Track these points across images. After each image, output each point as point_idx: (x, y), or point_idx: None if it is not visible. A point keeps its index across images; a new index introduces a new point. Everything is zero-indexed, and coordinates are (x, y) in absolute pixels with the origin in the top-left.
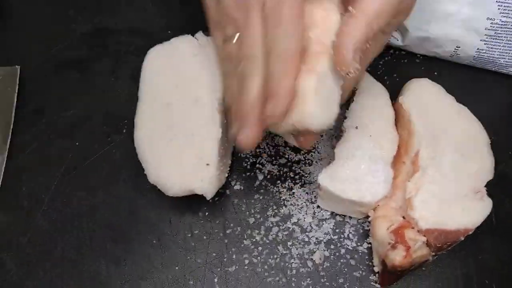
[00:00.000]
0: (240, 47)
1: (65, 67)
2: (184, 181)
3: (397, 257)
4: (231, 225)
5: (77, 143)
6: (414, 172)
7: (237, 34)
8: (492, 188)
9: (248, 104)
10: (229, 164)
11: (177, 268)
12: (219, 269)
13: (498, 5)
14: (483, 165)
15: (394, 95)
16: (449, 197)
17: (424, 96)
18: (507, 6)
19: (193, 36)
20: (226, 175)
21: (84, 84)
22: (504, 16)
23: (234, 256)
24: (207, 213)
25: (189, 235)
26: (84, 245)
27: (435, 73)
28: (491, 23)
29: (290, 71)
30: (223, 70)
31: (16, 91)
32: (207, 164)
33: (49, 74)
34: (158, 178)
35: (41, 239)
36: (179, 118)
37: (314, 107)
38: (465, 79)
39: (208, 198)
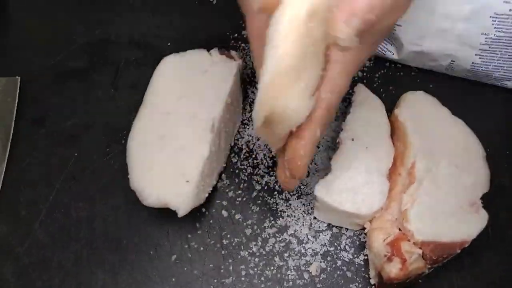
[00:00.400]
0: None
1: (65, 77)
2: (161, 193)
3: (393, 270)
4: (228, 236)
5: (76, 153)
6: (410, 184)
7: None
8: (488, 200)
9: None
10: (213, 184)
11: (173, 279)
12: (215, 281)
13: (492, 20)
14: (478, 177)
15: (390, 107)
16: (444, 210)
17: (420, 108)
18: (501, 21)
19: (208, 51)
20: (207, 194)
21: (84, 95)
22: (498, 31)
23: (231, 268)
24: (204, 225)
25: (186, 246)
26: (81, 256)
27: (431, 85)
28: (486, 38)
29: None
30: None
31: (16, 101)
32: (187, 181)
33: (49, 84)
34: (138, 185)
35: (38, 249)
36: (173, 130)
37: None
38: (460, 92)
39: (179, 215)
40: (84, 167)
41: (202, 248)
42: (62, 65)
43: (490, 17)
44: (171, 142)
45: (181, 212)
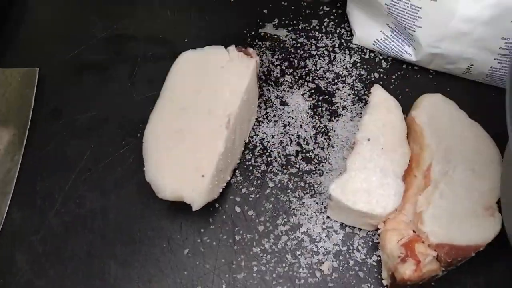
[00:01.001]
0: None
1: (83, 70)
2: (176, 186)
3: (407, 271)
4: (241, 232)
5: (92, 145)
6: (425, 187)
7: None
8: None
9: None
10: (227, 180)
11: (185, 272)
12: (227, 276)
13: None
14: (494, 182)
15: (407, 109)
16: (460, 213)
17: (437, 111)
18: None
19: (226, 48)
20: (221, 190)
21: (101, 88)
22: None
23: (243, 263)
24: (217, 220)
25: (199, 241)
26: (94, 246)
27: (448, 89)
28: (506, 42)
29: None
30: None
31: (34, 92)
32: (202, 176)
33: (67, 77)
34: (154, 177)
35: (52, 238)
36: (189, 125)
37: None
38: (477, 96)
39: (194, 209)
40: (99, 159)
41: (214, 243)
42: (81, 58)
43: (511, 21)
44: (187, 136)
45: (196, 206)
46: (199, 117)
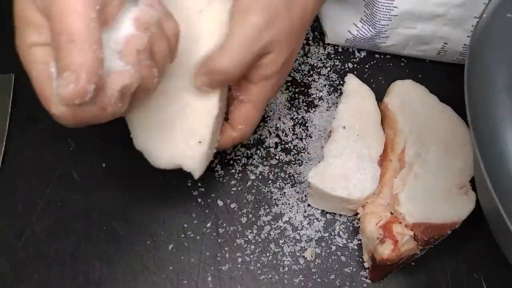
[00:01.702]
0: None
1: None
2: (173, 155)
3: (386, 251)
4: (224, 225)
5: (71, 148)
6: (400, 169)
7: None
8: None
9: None
10: (217, 139)
11: (170, 268)
12: (212, 268)
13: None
14: (467, 161)
15: (380, 96)
16: (434, 192)
17: (409, 96)
18: None
19: None
20: (215, 150)
21: None
22: None
23: (227, 255)
24: (199, 214)
25: (183, 236)
26: (78, 248)
27: (419, 75)
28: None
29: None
30: None
31: (11, 98)
32: (199, 142)
33: None
34: (145, 145)
35: (35, 243)
36: (174, 84)
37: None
38: (448, 80)
39: (195, 177)
40: (79, 160)
41: (198, 237)
42: None
43: (484, 3)
44: (173, 97)
45: (197, 174)
46: (184, 73)
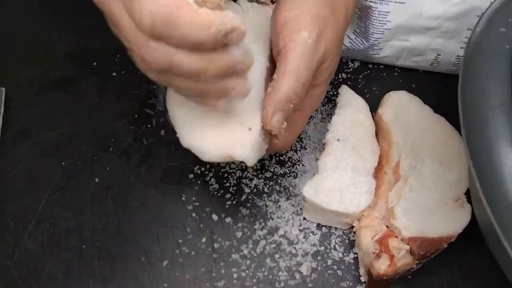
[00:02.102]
0: None
1: (50, 87)
2: (222, 146)
3: (382, 266)
4: (219, 239)
5: (63, 163)
6: (395, 182)
7: None
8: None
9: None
10: (269, 136)
11: (165, 285)
12: (208, 284)
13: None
14: (462, 173)
15: (375, 107)
16: (430, 206)
17: (403, 107)
18: None
19: (235, 1)
20: (266, 146)
21: (70, 104)
22: None
23: (222, 271)
24: (194, 229)
25: (177, 251)
26: (71, 265)
27: (413, 85)
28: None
29: None
30: None
31: (2, 113)
32: (249, 129)
33: (34, 95)
34: (193, 140)
35: (28, 261)
36: None
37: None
38: (442, 90)
39: (249, 165)
40: (71, 176)
41: (193, 253)
42: (47, 75)
43: (477, 16)
44: None
45: (251, 162)
46: None
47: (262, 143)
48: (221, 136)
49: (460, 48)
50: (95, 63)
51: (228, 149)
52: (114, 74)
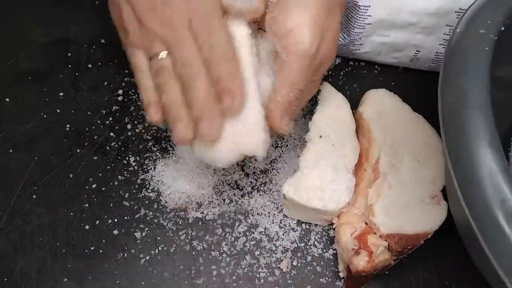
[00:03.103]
0: (176, 58)
1: (23, 79)
2: (232, 147)
3: (361, 262)
4: (199, 236)
5: (36, 158)
6: (375, 179)
7: (165, 52)
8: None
9: (201, 99)
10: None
11: (143, 283)
12: (186, 282)
13: (457, 15)
14: (439, 171)
15: (355, 104)
16: (407, 203)
17: (382, 106)
18: None
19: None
20: (270, 133)
21: (44, 97)
22: None
23: (201, 268)
24: (173, 226)
25: (155, 249)
26: (45, 263)
27: (392, 82)
28: (450, 29)
29: (237, 71)
30: (154, 83)
31: None
32: (255, 123)
33: (6, 87)
34: (204, 151)
35: (0, 258)
36: None
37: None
38: (420, 88)
39: (260, 157)
40: (45, 171)
41: (172, 250)
42: (20, 67)
43: (455, 12)
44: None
45: (261, 153)
46: None
47: (267, 134)
48: (229, 139)
49: (439, 44)
50: (69, 54)
51: (239, 150)
52: (90, 65)
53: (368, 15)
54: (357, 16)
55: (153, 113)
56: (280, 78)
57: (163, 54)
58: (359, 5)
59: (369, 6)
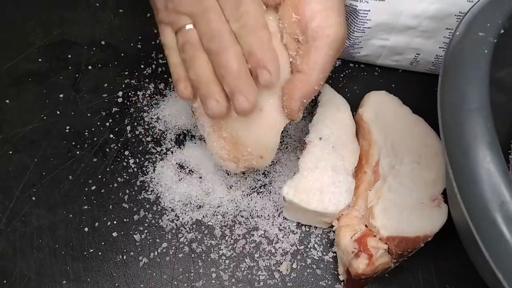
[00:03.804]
0: (203, 31)
1: (22, 81)
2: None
3: (360, 266)
4: (198, 239)
5: (36, 159)
6: (375, 181)
7: (190, 24)
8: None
9: (234, 72)
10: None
11: (142, 285)
12: (186, 285)
13: (457, 18)
14: (439, 173)
15: (355, 106)
16: (408, 205)
17: (382, 108)
18: None
19: None
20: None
21: (43, 98)
22: None
23: (201, 271)
24: (172, 229)
25: (155, 251)
26: (44, 265)
27: (393, 85)
28: (450, 32)
29: (269, 41)
30: (181, 58)
31: None
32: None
33: (5, 88)
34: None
35: None
36: None
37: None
38: (420, 90)
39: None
40: (44, 173)
41: (171, 252)
42: (20, 68)
43: (455, 15)
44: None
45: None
46: None
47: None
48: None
49: (439, 48)
50: (69, 56)
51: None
52: (90, 67)
53: (367, 19)
54: (356, 21)
55: (182, 88)
56: (309, 64)
57: (189, 26)
58: (358, 10)
59: (369, 11)
